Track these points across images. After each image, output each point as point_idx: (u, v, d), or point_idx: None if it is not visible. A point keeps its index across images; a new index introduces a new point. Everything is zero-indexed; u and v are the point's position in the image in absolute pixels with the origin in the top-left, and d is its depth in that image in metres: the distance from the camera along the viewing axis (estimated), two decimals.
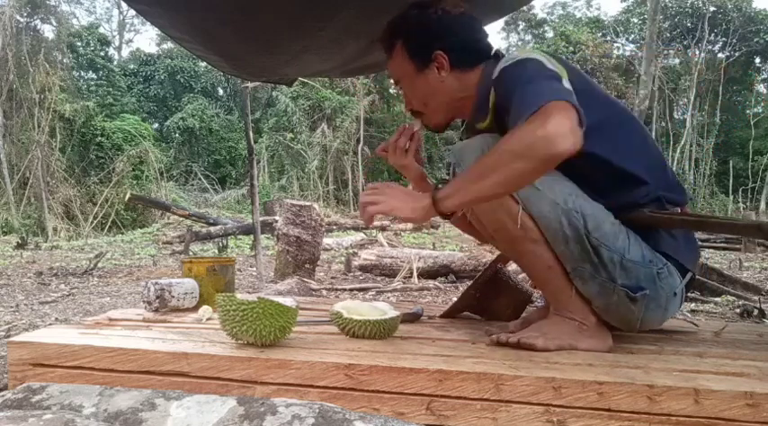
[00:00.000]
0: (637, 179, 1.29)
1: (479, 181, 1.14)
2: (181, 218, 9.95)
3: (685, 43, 22.60)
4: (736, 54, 22.32)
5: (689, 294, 3.48)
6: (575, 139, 1.06)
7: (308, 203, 4.28)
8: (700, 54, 21.94)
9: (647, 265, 1.26)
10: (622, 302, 1.26)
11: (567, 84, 1.19)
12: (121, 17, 29.08)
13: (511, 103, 1.20)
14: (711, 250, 8.07)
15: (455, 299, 1.81)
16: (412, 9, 1.43)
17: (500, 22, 24.07)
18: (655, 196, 1.30)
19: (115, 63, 23.15)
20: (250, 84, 4.28)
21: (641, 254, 1.26)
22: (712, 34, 22.09)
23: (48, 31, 15.27)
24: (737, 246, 8.12)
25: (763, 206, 18.88)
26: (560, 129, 1.05)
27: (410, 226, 10.45)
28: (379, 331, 1.32)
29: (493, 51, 1.44)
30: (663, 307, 1.30)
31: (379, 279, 4.49)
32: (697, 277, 3.72)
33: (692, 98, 21.54)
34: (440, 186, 1.23)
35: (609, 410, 1.01)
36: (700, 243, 8.87)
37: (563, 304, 1.32)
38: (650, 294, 1.26)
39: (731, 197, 19.97)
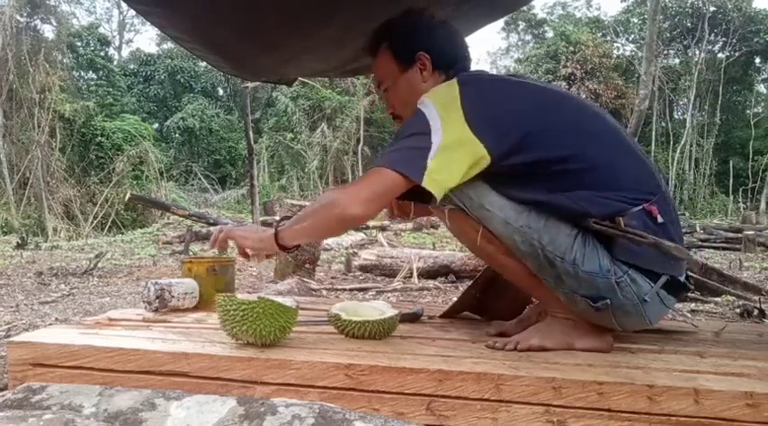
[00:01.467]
0: (589, 182, 1.24)
1: (301, 223, 1.30)
2: (181, 218, 9.93)
3: (685, 43, 22.61)
4: (736, 54, 22.33)
5: (690, 294, 3.50)
6: (365, 209, 1.21)
7: (307, 203, 4.28)
8: (700, 54, 21.95)
9: (604, 275, 1.22)
10: (589, 310, 1.25)
11: (432, 138, 1.20)
12: (121, 17, 29.10)
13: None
14: (711, 250, 8.08)
15: (455, 299, 1.81)
16: (400, 14, 1.47)
17: (500, 22, 24.07)
18: (603, 197, 1.23)
19: (115, 63, 23.16)
20: (250, 84, 4.29)
21: (598, 265, 1.23)
22: (712, 34, 22.10)
23: (48, 31, 15.29)
24: (737, 246, 8.12)
25: (763, 206, 18.89)
26: (356, 197, 1.21)
27: (410, 225, 10.46)
28: (379, 330, 1.32)
29: (466, 63, 1.46)
30: (635, 313, 1.26)
31: (379, 279, 4.49)
32: (697, 277, 3.75)
33: (692, 98, 21.56)
34: (282, 222, 1.34)
35: (609, 410, 1.01)
36: (699, 242, 8.80)
37: (555, 306, 1.32)
38: (613, 302, 1.23)
39: (731, 197, 19.98)
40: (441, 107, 1.24)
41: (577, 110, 1.33)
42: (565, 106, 1.33)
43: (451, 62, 1.43)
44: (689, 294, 3.52)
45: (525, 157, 1.22)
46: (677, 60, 23.55)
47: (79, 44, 19.97)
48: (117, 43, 28.27)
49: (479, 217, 1.28)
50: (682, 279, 1.31)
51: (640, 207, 1.23)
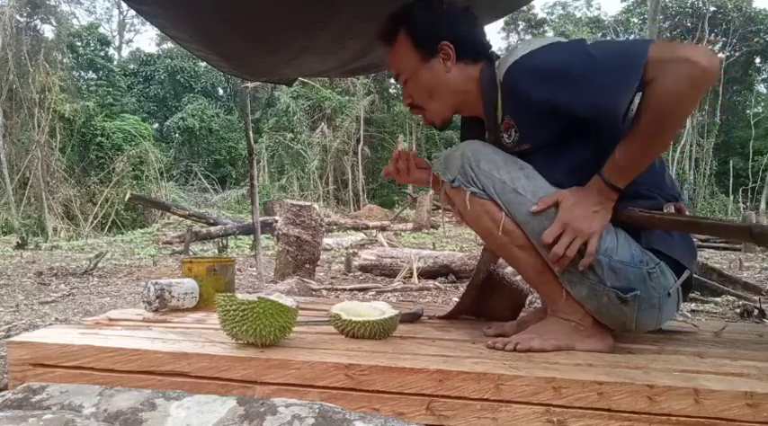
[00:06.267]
0: None
1: (650, 145, 1.15)
2: (181, 218, 9.95)
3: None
4: (737, 54, 22.32)
5: (690, 294, 3.50)
6: (708, 56, 1.05)
7: (307, 203, 4.28)
8: None
9: (636, 265, 1.23)
10: (613, 304, 1.25)
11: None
12: (121, 17, 29.09)
13: (560, 96, 1.18)
14: (711, 250, 8.07)
15: (456, 300, 1.81)
16: (416, 2, 1.42)
17: (500, 22, 24.07)
18: (648, 190, 1.27)
19: (115, 63, 23.15)
20: (250, 84, 4.28)
21: (630, 254, 1.24)
22: (712, 34, 22.08)
23: (48, 31, 15.28)
24: (737, 246, 8.12)
25: (763, 206, 18.87)
26: (687, 52, 1.06)
27: (410, 225, 10.47)
28: (379, 330, 1.32)
29: (490, 51, 1.43)
30: (656, 308, 1.27)
31: (379, 279, 4.49)
32: (697, 277, 3.75)
33: None
34: (601, 174, 1.20)
35: (609, 410, 1.01)
36: (699, 243, 8.81)
37: (558, 305, 1.31)
38: (642, 294, 1.23)
39: (731, 197, 19.97)
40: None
41: None
42: None
43: (476, 51, 1.40)
44: (690, 294, 3.52)
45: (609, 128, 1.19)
46: None
47: (79, 44, 19.96)
48: (117, 43, 28.28)
49: (506, 202, 1.27)
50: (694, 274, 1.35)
51: (672, 204, 1.28)
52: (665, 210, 1.26)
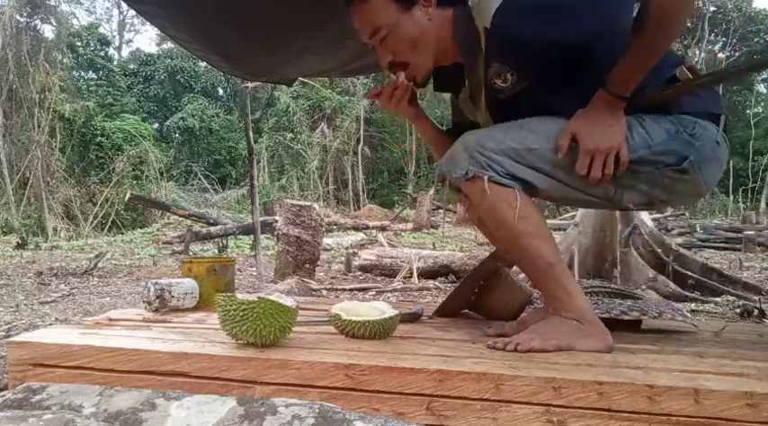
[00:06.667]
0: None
1: (653, 51, 1.17)
2: (181, 218, 9.94)
3: (685, 43, 22.59)
4: (737, 54, 22.31)
5: (689, 294, 3.50)
6: None
7: (307, 203, 4.28)
8: (700, 54, 21.93)
9: (675, 136, 1.25)
10: (676, 179, 1.27)
11: None
12: (121, 17, 29.09)
13: (557, 29, 1.19)
14: (711, 250, 8.07)
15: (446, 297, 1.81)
16: None
17: None
18: (654, 68, 1.26)
19: (115, 63, 23.14)
20: (250, 84, 4.28)
21: (665, 131, 1.26)
22: (712, 34, 22.09)
23: (48, 31, 15.30)
24: (737, 246, 8.12)
25: (763, 205, 18.86)
26: None
27: (410, 225, 10.47)
28: (379, 330, 1.32)
29: None
30: (714, 159, 1.30)
31: (379, 279, 4.49)
32: (697, 277, 3.75)
33: None
34: (606, 88, 1.22)
35: (609, 410, 1.01)
36: (699, 242, 8.80)
37: (561, 302, 1.31)
38: (694, 157, 1.25)
39: (731, 197, 19.97)
40: None
41: None
42: None
43: None
44: (689, 294, 3.53)
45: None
46: None
47: (79, 44, 19.95)
48: (117, 43, 28.28)
49: (529, 164, 1.28)
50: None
51: (681, 67, 1.27)
52: (678, 76, 1.26)
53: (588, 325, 1.29)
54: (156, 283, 1.60)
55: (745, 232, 8.71)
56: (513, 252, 1.40)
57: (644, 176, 1.28)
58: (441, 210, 12.58)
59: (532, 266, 1.34)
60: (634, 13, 1.18)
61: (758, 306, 2.98)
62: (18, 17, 13.38)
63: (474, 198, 1.35)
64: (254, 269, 4.63)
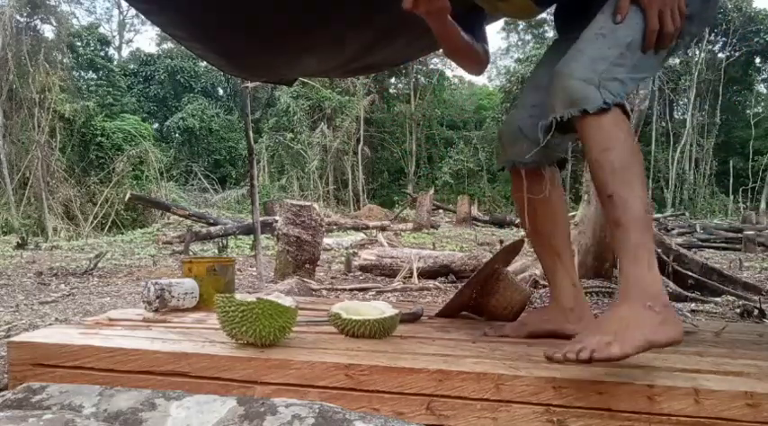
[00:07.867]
0: None
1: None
2: (181, 218, 9.94)
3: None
4: (737, 54, 22.31)
5: (689, 294, 3.50)
6: None
7: (307, 203, 4.28)
8: (700, 54, 21.92)
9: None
10: (705, 7, 1.33)
11: None
12: (121, 17, 29.07)
13: None
14: (711, 250, 8.07)
15: (450, 298, 1.82)
16: None
17: (500, 22, 24.02)
18: None
19: (115, 63, 23.15)
20: (250, 84, 4.28)
21: None
22: (712, 34, 22.07)
23: (48, 31, 15.26)
24: (737, 246, 8.12)
25: (763, 206, 18.87)
26: None
27: (410, 225, 10.47)
28: (379, 329, 1.32)
29: None
30: None
31: (379, 279, 4.49)
32: (697, 277, 3.74)
33: (692, 98, 21.53)
34: None
35: (609, 410, 1.01)
36: (699, 242, 8.75)
37: (639, 278, 1.12)
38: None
39: (731, 197, 19.97)
40: None
41: None
42: None
43: None
44: (689, 294, 3.52)
45: None
46: (677, 60, 23.49)
47: (79, 44, 19.96)
48: (117, 43, 28.25)
49: (622, 55, 1.25)
50: None
51: None
52: None
53: (661, 306, 1.10)
54: (156, 283, 1.60)
55: (745, 232, 8.72)
56: (619, 196, 1.16)
57: (691, 17, 1.30)
58: (440, 210, 12.58)
59: (631, 208, 1.14)
60: None
61: (758, 306, 2.98)
62: (18, 17, 13.39)
63: (609, 129, 1.19)
64: (254, 269, 4.63)
